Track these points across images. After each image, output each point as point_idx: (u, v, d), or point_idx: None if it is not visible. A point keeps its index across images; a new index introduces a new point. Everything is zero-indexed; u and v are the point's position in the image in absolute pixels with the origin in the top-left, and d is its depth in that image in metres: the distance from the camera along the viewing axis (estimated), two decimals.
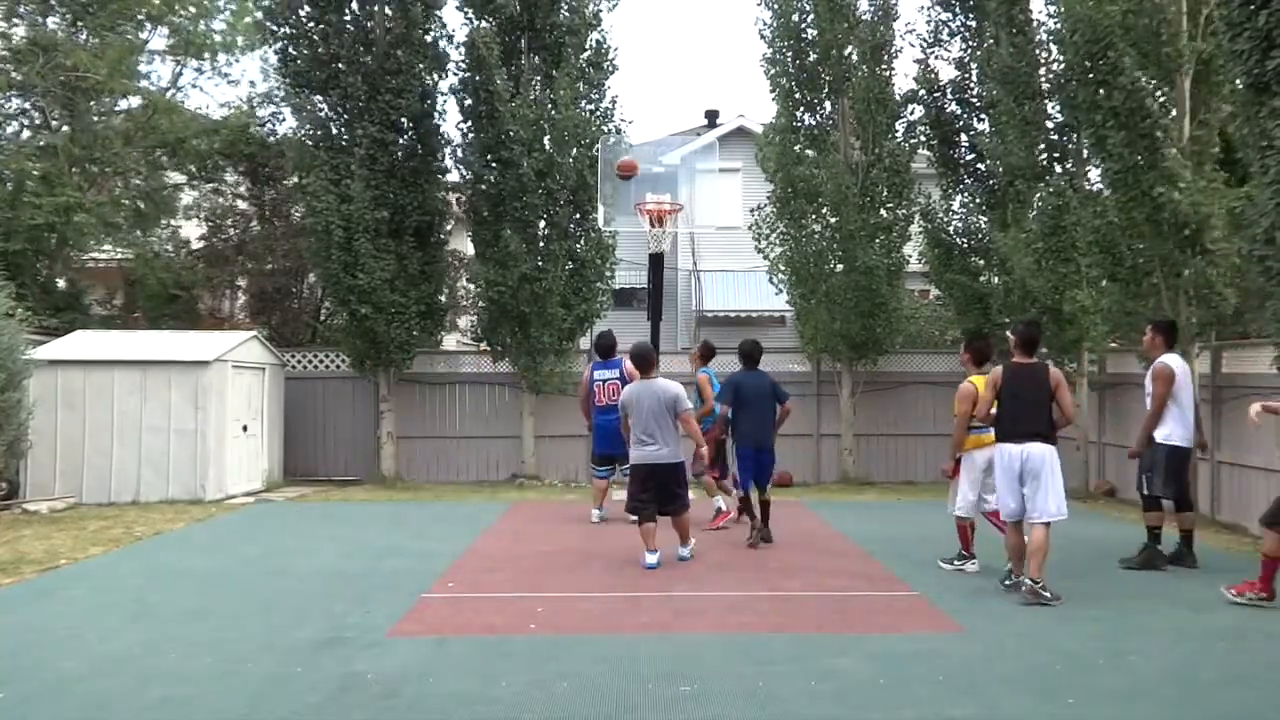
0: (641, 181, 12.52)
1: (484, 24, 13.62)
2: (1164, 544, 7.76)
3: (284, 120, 17.09)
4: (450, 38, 14.18)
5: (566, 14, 13.79)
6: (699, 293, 20.70)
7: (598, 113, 14.03)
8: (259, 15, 14.18)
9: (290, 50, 13.63)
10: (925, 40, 14.31)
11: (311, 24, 13.58)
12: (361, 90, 13.26)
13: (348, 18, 13.63)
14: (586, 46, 14.07)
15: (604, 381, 10.18)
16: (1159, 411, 7.52)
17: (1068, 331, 12.15)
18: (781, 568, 7.67)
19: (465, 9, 13.89)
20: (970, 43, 14.13)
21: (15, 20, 14.95)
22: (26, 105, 15.43)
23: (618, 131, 14.01)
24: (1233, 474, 10.07)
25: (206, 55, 16.86)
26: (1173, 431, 7.53)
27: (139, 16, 15.58)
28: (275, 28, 13.70)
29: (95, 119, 14.96)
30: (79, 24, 14.97)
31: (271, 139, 16.99)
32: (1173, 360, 7.68)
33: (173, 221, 17.20)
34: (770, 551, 8.41)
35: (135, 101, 16.34)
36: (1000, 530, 7.07)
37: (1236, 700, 4.55)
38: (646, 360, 7.94)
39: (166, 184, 17.03)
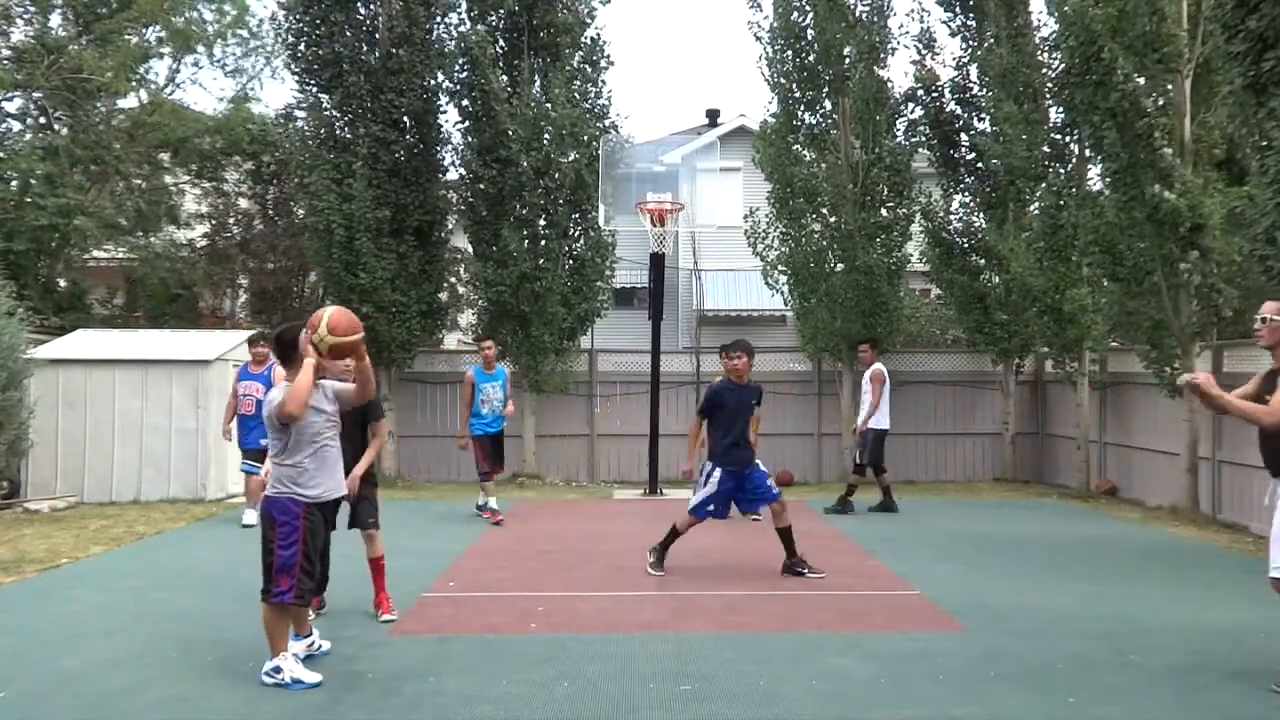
0: (642, 180, 12.55)
1: (480, 26, 13.63)
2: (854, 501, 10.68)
3: (280, 125, 17.07)
4: (454, 36, 14.18)
5: (564, 13, 13.80)
6: (700, 292, 20.69)
7: (594, 110, 14.04)
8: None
9: (297, 48, 13.63)
10: (920, 41, 14.34)
11: (308, 24, 13.56)
12: (364, 89, 13.25)
13: (357, 15, 13.62)
14: (581, 43, 14.08)
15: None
16: (877, 404, 10.56)
17: (1068, 331, 12.14)
18: (782, 567, 7.66)
19: (465, 10, 13.90)
20: (970, 43, 14.13)
21: (20, 24, 14.93)
22: (31, 106, 15.41)
23: (614, 127, 14.03)
24: (1233, 473, 10.06)
25: (201, 47, 16.79)
26: (878, 419, 10.59)
27: (137, 21, 15.55)
28: (288, 22, 13.70)
29: (97, 120, 14.93)
30: (85, 25, 14.93)
31: (277, 127, 16.95)
32: (883, 367, 10.84)
33: (176, 227, 17.14)
34: (771, 551, 8.39)
35: (143, 96, 16.32)
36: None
37: (1236, 700, 4.55)
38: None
39: (168, 184, 17.00)
